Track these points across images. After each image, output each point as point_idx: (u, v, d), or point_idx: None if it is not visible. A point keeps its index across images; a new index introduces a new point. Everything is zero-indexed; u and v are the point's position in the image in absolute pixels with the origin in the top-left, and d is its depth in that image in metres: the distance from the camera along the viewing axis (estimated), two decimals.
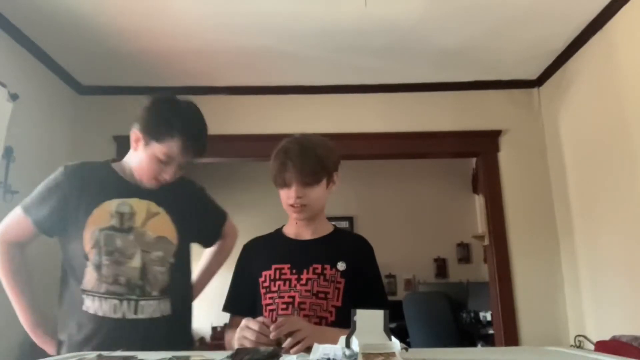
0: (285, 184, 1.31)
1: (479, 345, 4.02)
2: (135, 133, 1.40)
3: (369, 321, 0.91)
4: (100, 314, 1.34)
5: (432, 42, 2.84)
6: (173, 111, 1.38)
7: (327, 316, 1.27)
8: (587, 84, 2.81)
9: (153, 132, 1.36)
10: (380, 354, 0.83)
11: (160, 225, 1.43)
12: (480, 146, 3.38)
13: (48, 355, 1.28)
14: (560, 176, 3.16)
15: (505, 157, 3.34)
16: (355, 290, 1.32)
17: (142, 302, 1.37)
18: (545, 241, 3.21)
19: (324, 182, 1.35)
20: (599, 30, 2.63)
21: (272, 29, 2.68)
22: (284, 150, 1.32)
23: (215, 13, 2.52)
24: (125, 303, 1.35)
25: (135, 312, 1.35)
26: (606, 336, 2.36)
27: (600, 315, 2.78)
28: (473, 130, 3.35)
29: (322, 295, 1.29)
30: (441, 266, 5.47)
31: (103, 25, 2.63)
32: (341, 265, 1.33)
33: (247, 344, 1.07)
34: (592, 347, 2.56)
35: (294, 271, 1.32)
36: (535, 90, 3.40)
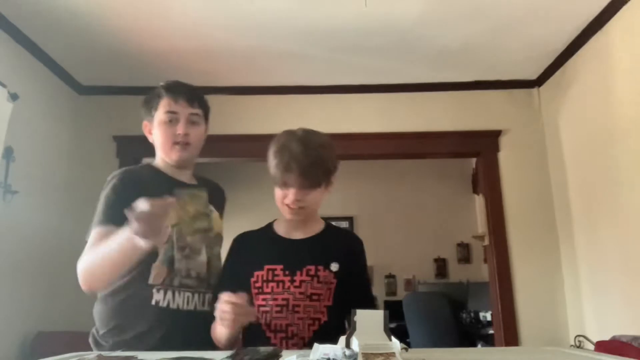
0: (285, 185, 1.29)
1: (479, 345, 4.02)
2: (144, 125, 1.51)
3: (369, 321, 0.91)
4: (173, 306, 1.37)
5: (432, 42, 2.84)
6: (157, 87, 1.52)
7: (320, 317, 1.27)
8: (587, 84, 2.81)
9: (149, 107, 1.49)
10: (380, 354, 0.83)
11: (217, 222, 1.52)
12: (480, 146, 3.38)
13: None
14: (560, 176, 3.16)
15: (505, 157, 3.34)
16: (345, 287, 1.32)
17: (207, 295, 1.42)
18: (545, 241, 3.21)
19: (324, 184, 1.33)
20: (599, 31, 2.63)
21: (272, 28, 2.68)
22: (288, 150, 1.27)
23: (215, 13, 2.52)
24: (197, 295, 1.41)
25: (203, 305, 1.41)
26: (606, 336, 2.36)
27: (600, 315, 2.78)
28: (473, 130, 3.35)
29: (315, 297, 1.28)
30: (441, 266, 5.47)
31: (103, 26, 2.63)
32: (334, 266, 1.32)
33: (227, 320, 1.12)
34: (592, 347, 2.56)
35: (287, 272, 1.30)
36: (535, 90, 3.40)
